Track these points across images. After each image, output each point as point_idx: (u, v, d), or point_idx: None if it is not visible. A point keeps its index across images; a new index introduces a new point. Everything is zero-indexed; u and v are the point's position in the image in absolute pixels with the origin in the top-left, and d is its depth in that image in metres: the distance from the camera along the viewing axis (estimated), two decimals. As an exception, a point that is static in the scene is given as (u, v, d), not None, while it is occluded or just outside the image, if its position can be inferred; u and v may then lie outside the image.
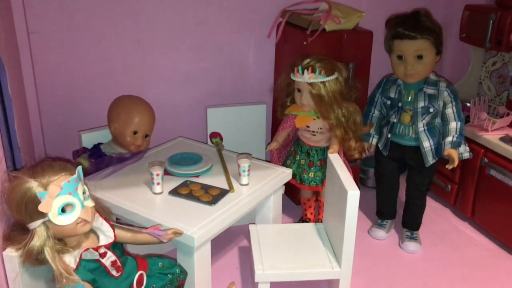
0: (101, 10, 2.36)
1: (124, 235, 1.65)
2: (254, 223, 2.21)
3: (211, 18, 2.57)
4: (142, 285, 1.63)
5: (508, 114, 2.39)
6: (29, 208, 1.36)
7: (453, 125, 2.17)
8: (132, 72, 2.53)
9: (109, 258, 1.51)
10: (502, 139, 2.31)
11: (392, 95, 2.23)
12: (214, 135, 2.43)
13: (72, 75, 2.42)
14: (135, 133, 2.23)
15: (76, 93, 2.46)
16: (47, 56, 2.34)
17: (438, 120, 2.21)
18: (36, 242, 1.37)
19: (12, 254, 1.41)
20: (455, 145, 2.17)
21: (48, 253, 1.38)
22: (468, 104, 2.53)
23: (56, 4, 2.27)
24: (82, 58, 2.41)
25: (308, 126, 2.24)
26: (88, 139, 2.30)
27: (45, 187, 1.36)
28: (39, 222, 1.37)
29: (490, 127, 2.36)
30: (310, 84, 2.10)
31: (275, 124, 2.66)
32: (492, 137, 2.33)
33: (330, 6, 2.46)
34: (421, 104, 2.17)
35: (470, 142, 2.36)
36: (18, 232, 1.43)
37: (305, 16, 2.46)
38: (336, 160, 2.01)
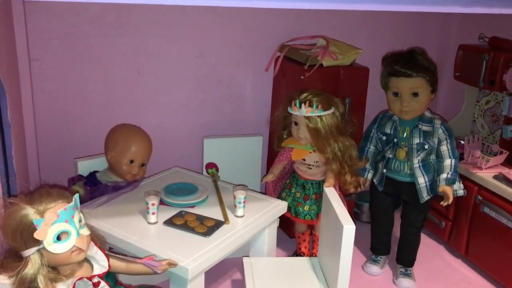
0: (102, 39, 2.39)
1: (118, 264, 1.63)
2: (248, 256, 2.20)
3: (210, 50, 2.62)
4: (134, 316, 1.61)
5: (501, 153, 2.41)
6: (24, 235, 1.35)
7: (448, 162, 2.20)
8: (130, 101, 2.55)
9: (102, 288, 1.50)
10: (495, 177, 2.33)
11: (387, 131, 2.26)
12: (210, 165, 2.44)
13: (71, 103, 2.44)
14: (131, 162, 2.24)
15: (74, 120, 2.47)
16: (47, 83, 2.36)
17: (433, 157, 2.24)
18: (29, 270, 1.36)
19: (4, 282, 1.39)
20: (450, 182, 2.18)
21: (41, 282, 1.36)
22: (462, 142, 2.56)
23: (58, 33, 2.30)
24: (81, 86, 2.43)
25: (304, 159, 2.26)
26: (84, 167, 2.30)
27: (41, 214, 1.36)
28: (33, 249, 1.36)
29: (483, 165, 2.38)
30: (307, 117, 2.13)
31: (271, 156, 2.68)
32: (485, 175, 2.36)
33: (328, 42, 2.51)
34: (416, 140, 2.19)
35: (464, 179, 2.38)
36: (12, 259, 1.41)
37: (303, 51, 2.51)
38: (331, 194, 2.02)
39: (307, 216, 2.30)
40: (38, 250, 1.37)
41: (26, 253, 1.37)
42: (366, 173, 2.37)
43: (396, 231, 2.46)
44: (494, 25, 2.64)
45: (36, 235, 1.33)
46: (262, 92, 2.79)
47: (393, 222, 2.46)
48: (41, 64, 2.32)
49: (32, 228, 1.34)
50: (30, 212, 1.35)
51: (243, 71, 2.73)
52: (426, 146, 2.19)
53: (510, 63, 2.34)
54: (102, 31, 2.38)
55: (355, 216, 2.92)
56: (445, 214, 2.61)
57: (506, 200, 2.23)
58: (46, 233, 1.34)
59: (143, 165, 2.29)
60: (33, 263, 1.36)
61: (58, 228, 1.37)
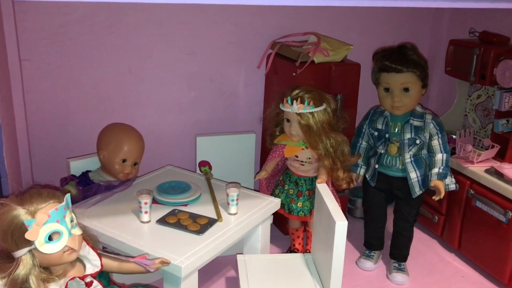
0: (94, 38, 2.38)
1: (110, 264, 1.63)
2: (241, 253, 2.20)
3: (202, 48, 2.61)
4: (127, 315, 1.61)
5: (493, 147, 2.43)
6: (15, 236, 1.34)
7: (439, 156, 2.21)
8: (122, 100, 2.54)
9: (95, 287, 1.49)
10: (487, 171, 2.34)
11: (379, 126, 2.27)
12: (203, 163, 2.43)
13: (63, 102, 2.43)
14: (124, 161, 2.23)
15: (66, 120, 2.46)
16: (38, 83, 2.35)
17: (424, 152, 2.25)
18: (21, 270, 1.35)
19: (-4, 283, 1.39)
20: (441, 176, 2.20)
21: (33, 282, 1.36)
22: (454, 136, 2.57)
23: (48, 32, 2.29)
24: (73, 85, 2.42)
25: (296, 156, 2.26)
26: (77, 167, 2.29)
27: (32, 214, 1.35)
28: (25, 250, 1.36)
29: (475, 159, 2.39)
30: (299, 114, 2.13)
31: (264, 153, 2.68)
32: (477, 169, 2.37)
33: (319, 39, 2.52)
34: (407, 135, 2.20)
35: (456, 173, 2.39)
36: (3, 260, 1.40)
37: (294, 48, 2.51)
38: (324, 190, 2.02)
39: (301, 212, 2.31)
40: (30, 251, 1.37)
41: (18, 253, 1.36)
42: (359, 168, 2.37)
43: (390, 226, 2.47)
44: (484, 19, 2.66)
45: (27, 235, 1.33)
46: (255, 89, 2.79)
47: (386, 217, 2.47)
48: (32, 64, 2.32)
49: (23, 228, 1.33)
50: (21, 212, 1.34)
51: (235, 69, 2.73)
52: (418, 141, 2.20)
53: (501, 57, 2.36)
54: (93, 30, 2.37)
55: (349, 212, 2.93)
56: (438, 208, 2.62)
57: (498, 194, 2.25)
58: (37, 233, 1.34)
59: (135, 164, 2.29)
60: (24, 264, 1.36)
61: (50, 228, 1.36)
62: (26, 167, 2.39)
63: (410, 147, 2.21)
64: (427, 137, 2.21)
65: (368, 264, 2.45)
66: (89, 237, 1.59)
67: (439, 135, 2.21)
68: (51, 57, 2.34)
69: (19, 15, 2.21)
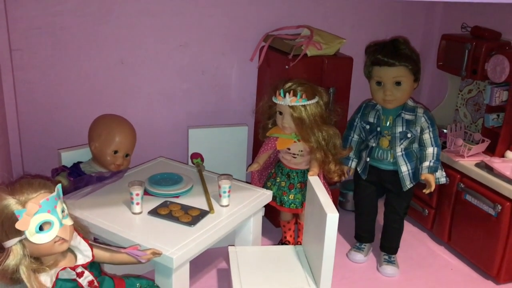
0: (85, 29, 2.37)
1: (102, 254, 1.63)
2: (233, 245, 2.20)
3: (194, 40, 2.60)
4: (119, 305, 1.61)
5: (483, 141, 2.44)
6: (5, 226, 1.34)
7: (430, 150, 2.22)
8: (114, 91, 2.53)
9: (86, 278, 1.49)
10: (477, 165, 2.36)
11: (371, 119, 2.28)
12: (195, 155, 2.43)
13: (54, 93, 2.42)
14: (115, 152, 2.23)
15: (57, 111, 2.45)
16: (29, 73, 2.33)
17: (415, 145, 2.26)
18: (11, 260, 1.35)
19: (-14, 273, 1.38)
20: (432, 170, 2.21)
21: (23, 272, 1.35)
22: (445, 130, 2.58)
23: (40, 22, 2.27)
24: (64, 76, 2.41)
25: (289, 149, 2.27)
26: (68, 158, 2.28)
27: (23, 204, 1.34)
28: (15, 240, 1.35)
29: (466, 153, 2.41)
30: (292, 107, 2.13)
31: (256, 145, 2.68)
32: (468, 163, 2.39)
33: (312, 32, 2.52)
34: (399, 129, 2.21)
35: (446, 167, 2.41)
36: (-7, 250, 1.40)
37: (287, 41, 2.51)
38: (316, 182, 2.03)
39: (292, 205, 2.31)
40: (20, 241, 1.36)
41: (8, 244, 1.36)
42: (350, 162, 2.38)
43: (380, 219, 2.49)
44: (476, 14, 2.66)
45: (18, 225, 1.32)
46: (247, 82, 2.79)
47: (376, 210, 2.49)
48: (22, 54, 2.30)
49: (13, 218, 1.33)
50: (11, 202, 1.34)
51: (228, 61, 2.72)
52: (409, 135, 2.21)
53: (492, 52, 2.37)
54: (85, 20, 2.35)
55: (340, 205, 2.95)
56: (428, 202, 2.64)
57: (488, 188, 2.27)
58: (28, 223, 1.34)
59: (127, 155, 2.28)
60: (15, 254, 1.35)
61: (40, 218, 1.36)
62: (17, 158, 2.38)
63: (402, 141, 2.22)
64: (419, 131, 2.22)
65: (358, 256, 2.46)
66: (80, 228, 1.59)
67: (430, 129, 2.23)
68: (42, 47, 2.32)
69: (10, 5, 2.18)
